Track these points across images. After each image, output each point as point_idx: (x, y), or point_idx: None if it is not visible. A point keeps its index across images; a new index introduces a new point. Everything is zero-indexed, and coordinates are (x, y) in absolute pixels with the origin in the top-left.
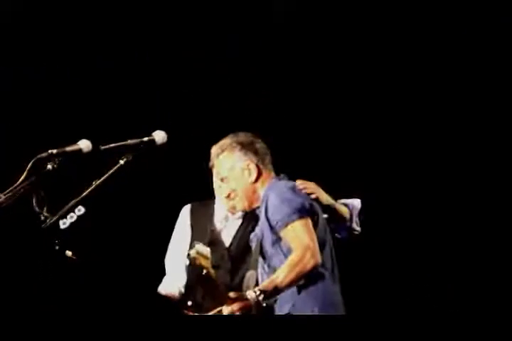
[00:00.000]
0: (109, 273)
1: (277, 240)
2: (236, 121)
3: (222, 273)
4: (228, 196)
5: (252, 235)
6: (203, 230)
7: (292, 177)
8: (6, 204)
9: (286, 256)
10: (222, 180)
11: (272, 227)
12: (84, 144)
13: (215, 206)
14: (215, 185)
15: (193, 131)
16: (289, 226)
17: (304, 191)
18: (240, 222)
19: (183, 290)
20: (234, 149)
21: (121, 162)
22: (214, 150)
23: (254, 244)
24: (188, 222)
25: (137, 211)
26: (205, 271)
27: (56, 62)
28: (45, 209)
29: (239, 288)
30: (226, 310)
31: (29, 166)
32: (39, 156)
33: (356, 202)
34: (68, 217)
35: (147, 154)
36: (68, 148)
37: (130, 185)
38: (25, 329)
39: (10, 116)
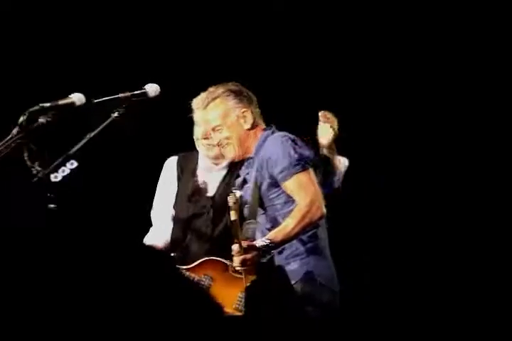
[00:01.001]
0: (98, 225)
1: (277, 191)
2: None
3: (203, 222)
4: (219, 144)
5: (237, 182)
6: (188, 181)
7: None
8: None
9: (285, 207)
10: (213, 129)
11: (272, 178)
12: (77, 97)
13: (199, 157)
14: (198, 136)
15: (186, 83)
16: (294, 177)
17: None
18: (224, 172)
19: (168, 241)
20: (227, 97)
21: (114, 115)
22: (198, 101)
23: (248, 194)
24: (175, 174)
25: (127, 163)
26: (233, 217)
27: (51, 15)
28: (36, 163)
29: (220, 237)
30: (237, 259)
31: (20, 120)
32: (31, 110)
33: (344, 160)
34: (60, 170)
35: (140, 107)
36: (61, 102)
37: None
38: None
39: (3, 69)
